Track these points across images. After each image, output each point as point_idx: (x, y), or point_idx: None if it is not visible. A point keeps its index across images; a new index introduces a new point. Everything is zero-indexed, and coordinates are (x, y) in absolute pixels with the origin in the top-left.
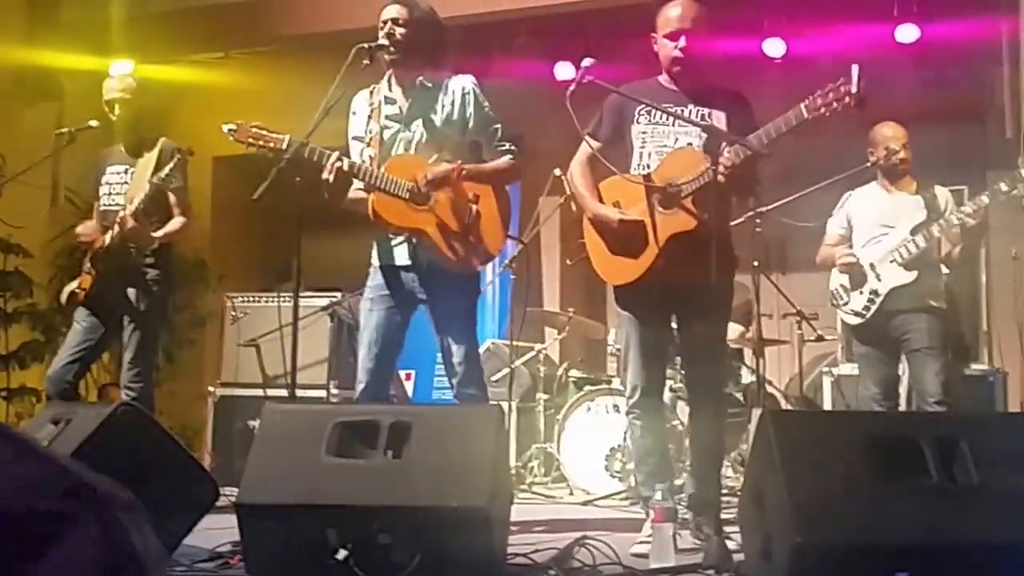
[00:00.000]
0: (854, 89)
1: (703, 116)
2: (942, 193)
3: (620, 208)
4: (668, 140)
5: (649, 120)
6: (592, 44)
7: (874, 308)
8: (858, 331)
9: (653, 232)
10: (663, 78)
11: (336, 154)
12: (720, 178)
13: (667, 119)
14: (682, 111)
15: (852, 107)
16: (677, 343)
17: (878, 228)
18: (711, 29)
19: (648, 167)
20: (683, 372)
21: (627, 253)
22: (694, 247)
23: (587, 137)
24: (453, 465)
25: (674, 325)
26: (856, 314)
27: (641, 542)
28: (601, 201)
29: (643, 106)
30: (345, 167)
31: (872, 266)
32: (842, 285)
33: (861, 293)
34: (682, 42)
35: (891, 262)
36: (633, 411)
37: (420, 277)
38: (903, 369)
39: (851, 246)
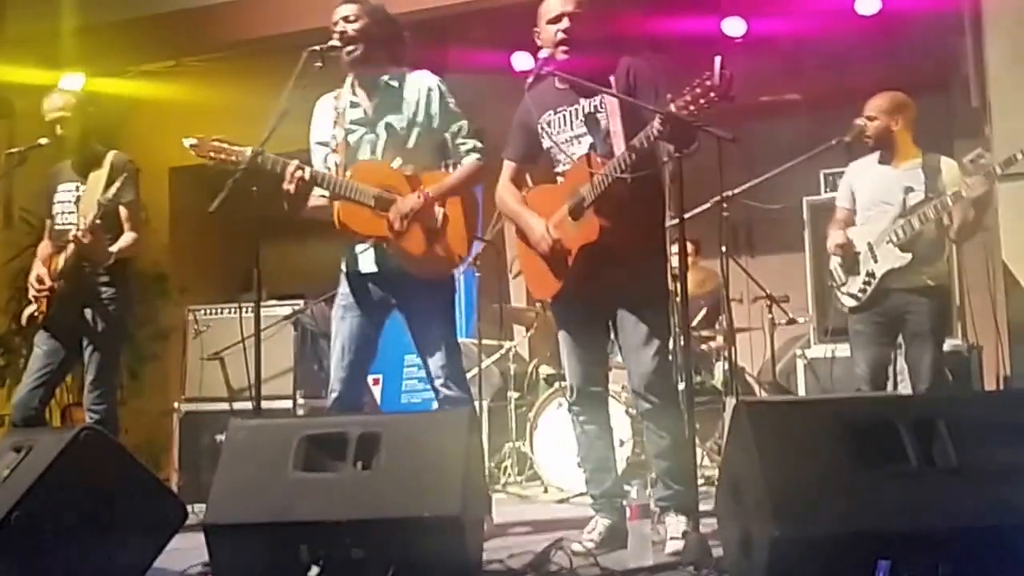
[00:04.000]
0: (717, 81)
1: (595, 107)
2: (947, 166)
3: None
4: (574, 147)
5: (551, 130)
6: None
7: (870, 290)
8: (855, 311)
9: (567, 244)
10: (555, 79)
11: (295, 163)
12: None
13: (565, 125)
14: (576, 110)
15: (718, 100)
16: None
17: (876, 205)
18: (596, 14)
19: (562, 177)
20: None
21: (548, 265)
22: (608, 253)
23: (505, 160)
24: (424, 474)
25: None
26: (852, 296)
27: (589, 539)
28: None
29: (543, 117)
30: (307, 176)
31: (870, 246)
32: (839, 265)
33: (857, 275)
34: (564, 23)
35: (887, 243)
36: (573, 409)
37: (389, 284)
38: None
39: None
